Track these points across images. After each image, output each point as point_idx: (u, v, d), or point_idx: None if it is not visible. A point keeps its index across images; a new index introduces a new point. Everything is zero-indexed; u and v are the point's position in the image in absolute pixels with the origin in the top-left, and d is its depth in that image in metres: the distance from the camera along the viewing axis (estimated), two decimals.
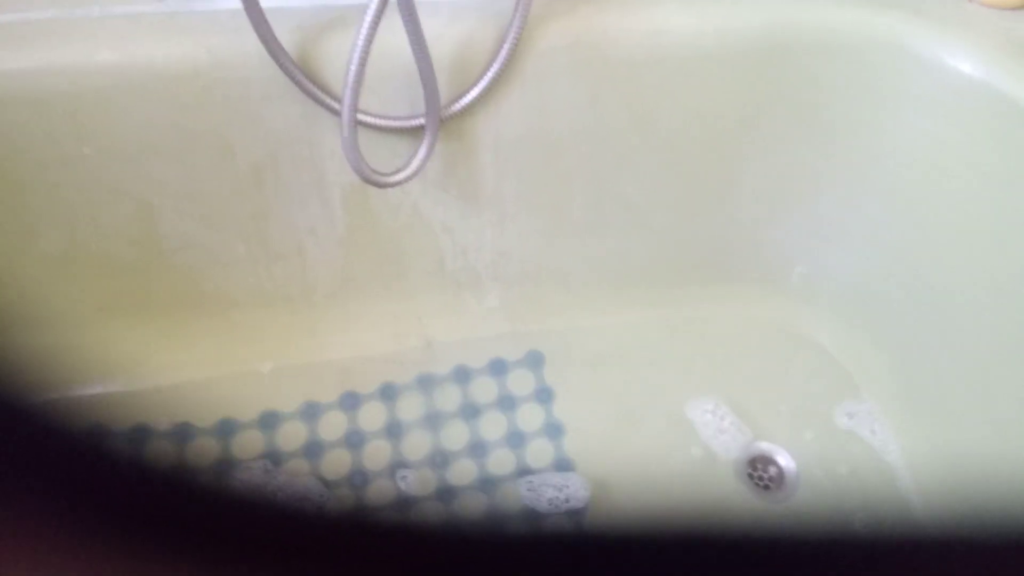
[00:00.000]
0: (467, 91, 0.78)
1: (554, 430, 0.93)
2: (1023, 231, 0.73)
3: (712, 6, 0.79)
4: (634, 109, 0.83)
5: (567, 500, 0.86)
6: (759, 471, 0.91)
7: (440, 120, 0.77)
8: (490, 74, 0.76)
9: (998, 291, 0.77)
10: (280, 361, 0.96)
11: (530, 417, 0.94)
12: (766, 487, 0.90)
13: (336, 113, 0.75)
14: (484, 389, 0.96)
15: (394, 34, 0.71)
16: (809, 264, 0.96)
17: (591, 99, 0.81)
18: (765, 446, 0.92)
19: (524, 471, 0.90)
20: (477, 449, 0.92)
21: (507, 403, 0.95)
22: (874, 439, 0.90)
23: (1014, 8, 0.79)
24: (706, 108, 0.83)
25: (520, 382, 0.97)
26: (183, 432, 0.92)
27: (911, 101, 0.79)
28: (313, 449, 0.91)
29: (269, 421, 0.93)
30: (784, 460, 0.91)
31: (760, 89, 0.82)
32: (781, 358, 0.98)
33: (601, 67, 0.79)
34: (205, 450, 0.91)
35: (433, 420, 0.93)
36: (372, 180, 0.76)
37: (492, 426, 0.93)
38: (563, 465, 0.90)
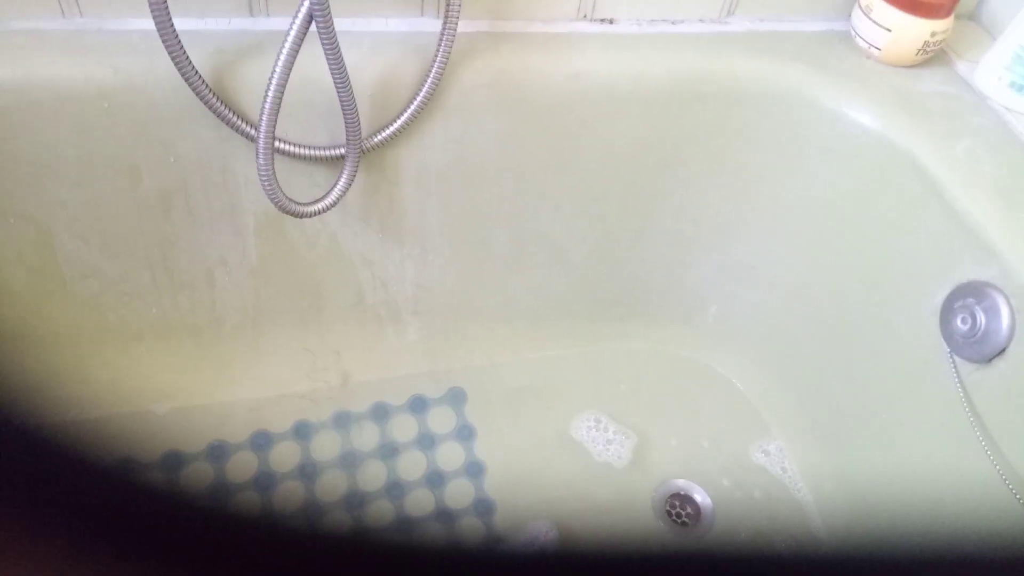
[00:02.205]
0: (390, 122, 0.77)
1: (475, 469, 0.91)
2: (915, 274, 0.77)
3: (628, 51, 0.81)
4: (554, 147, 0.84)
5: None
6: (677, 508, 0.91)
7: (361, 150, 0.76)
8: (413, 106, 0.76)
9: (892, 331, 0.80)
10: (186, 397, 0.92)
11: (451, 456, 0.92)
12: (684, 523, 0.90)
13: (252, 139, 0.73)
14: (403, 427, 0.94)
15: (315, 62, 0.70)
16: (722, 304, 0.99)
17: (512, 135, 0.82)
18: (683, 483, 0.93)
19: (443, 512, 0.88)
20: (395, 489, 0.89)
21: (427, 442, 0.93)
22: (784, 476, 0.92)
23: (908, 66, 0.85)
24: (623, 149, 0.85)
25: (441, 420, 0.95)
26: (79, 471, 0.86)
27: (814, 150, 0.83)
28: (220, 491, 0.86)
29: (172, 462, 0.88)
30: (700, 497, 0.92)
31: (674, 133, 0.84)
32: (697, 396, 1.00)
33: (522, 105, 0.80)
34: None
35: (349, 460, 0.90)
36: (288, 209, 0.74)
37: (411, 466, 0.91)
38: (483, 505, 0.88)
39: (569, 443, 0.94)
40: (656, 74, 0.82)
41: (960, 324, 0.72)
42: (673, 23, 0.85)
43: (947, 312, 0.73)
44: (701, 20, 0.86)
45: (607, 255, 0.95)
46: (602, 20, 0.84)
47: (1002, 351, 0.69)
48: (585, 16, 0.83)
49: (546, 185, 0.87)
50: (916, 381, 0.78)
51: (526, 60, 0.79)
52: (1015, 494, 0.65)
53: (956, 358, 0.73)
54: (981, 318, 0.70)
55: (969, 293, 0.72)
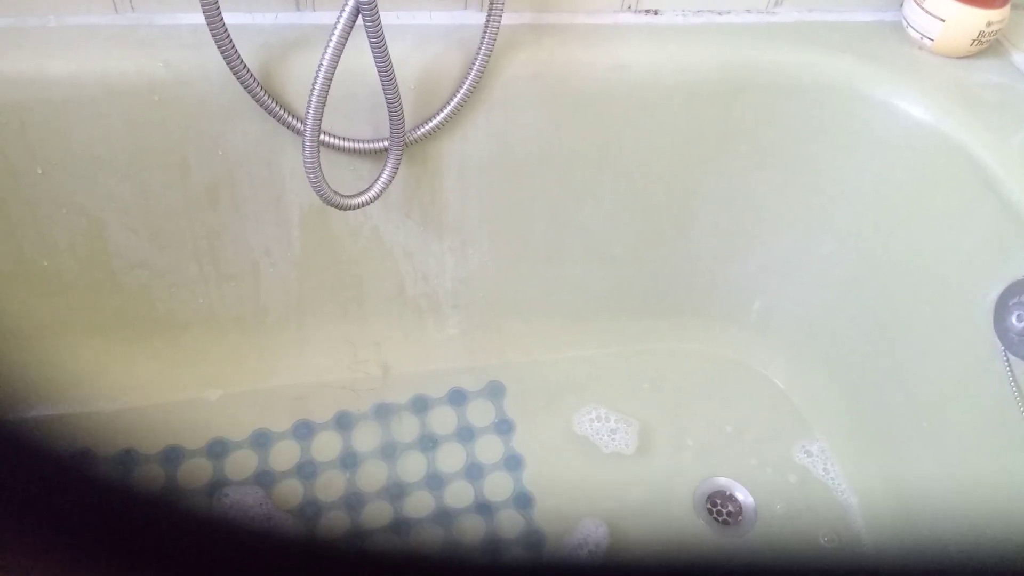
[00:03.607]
0: (433, 115, 0.77)
1: (513, 462, 0.91)
2: (967, 270, 0.75)
3: (672, 44, 0.80)
4: (597, 140, 0.83)
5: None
6: (718, 506, 0.90)
7: (405, 143, 0.77)
8: (456, 99, 0.76)
9: (944, 329, 0.78)
10: (230, 387, 0.93)
11: (489, 449, 0.93)
12: (725, 522, 0.89)
13: (298, 133, 0.74)
14: (443, 419, 0.94)
15: (360, 56, 0.70)
16: (766, 300, 0.97)
17: (555, 128, 0.82)
18: (724, 481, 0.92)
19: (482, 504, 0.88)
20: (434, 481, 0.89)
21: (466, 434, 0.93)
22: (827, 477, 0.91)
23: (962, 56, 0.82)
24: (667, 142, 0.84)
25: (480, 413, 0.95)
26: (127, 459, 0.88)
27: (864, 143, 0.82)
28: (264, 479, 0.88)
29: (217, 450, 0.89)
30: (742, 496, 0.90)
31: (719, 126, 0.83)
32: (738, 395, 0.98)
33: (565, 98, 0.80)
34: (150, 478, 0.87)
35: (389, 451, 0.91)
36: (333, 202, 0.75)
37: (450, 458, 0.91)
38: (522, 499, 0.88)
39: (607, 440, 0.94)
40: (701, 66, 0.81)
41: (1015, 321, 0.70)
42: (719, 14, 0.84)
43: (1002, 309, 0.71)
44: (748, 11, 0.84)
45: (649, 250, 0.94)
46: (647, 11, 0.83)
47: None
48: (629, 7, 0.83)
49: (588, 178, 0.87)
50: (968, 380, 0.76)
51: (569, 52, 0.79)
52: None
53: (1010, 356, 0.71)
54: None
55: None
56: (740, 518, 0.89)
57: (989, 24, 0.80)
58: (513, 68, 0.78)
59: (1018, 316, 0.70)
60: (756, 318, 0.99)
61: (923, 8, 0.81)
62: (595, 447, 0.93)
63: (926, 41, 0.82)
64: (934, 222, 0.78)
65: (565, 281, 0.96)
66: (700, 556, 0.86)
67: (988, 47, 0.83)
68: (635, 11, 0.83)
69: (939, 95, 0.78)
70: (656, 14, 0.83)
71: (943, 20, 0.80)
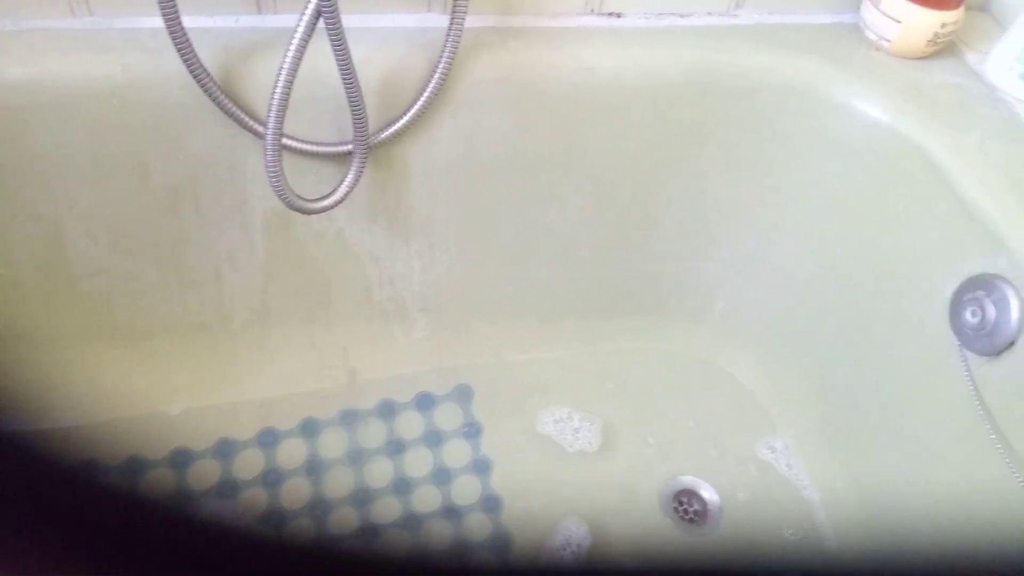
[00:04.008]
0: (397, 118, 0.77)
1: (482, 466, 0.91)
2: (925, 268, 0.77)
3: (636, 46, 0.81)
4: (562, 142, 0.84)
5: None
6: (685, 505, 0.91)
7: (369, 146, 0.76)
8: (420, 102, 0.76)
9: (903, 325, 0.80)
10: (193, 395, 0.92)
11: (457, 453, 0.92)
12: (691, 520, 0.90)
13: (260, 136, 0.73)
14: (410, 424, 0.94)
15: (323, 58, 0.70)
16: (731, 299, 0.98)
17: (521, 131, 0.82)
18: (690, 480, 0.92)
19: (450, 508, 0.88)
20: (401, 486, 0.89)
21: (433, 439, 0.93)
22: (790, 473, 0.92)
23: (918, 58, 0.84)
24: (632, 144, 0.85)
25: (447, 417, 0.95)
26: (88, 470, 0.86)
27: (825, 143, 0.83)
28: (227, 489, 0.87)
29: (180, 460, 0.88)
30: (708, 494, 0.91)
31: (683, 127, 0.84)
32: (704, 393, 0.99)
33: (530, 100, 0.80)
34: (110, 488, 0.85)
35: (356, 457, 0.90)
36: (296, 206, 0.74)
37: (417, 463, 0.91)
38: (490, 502, 0.88)
39: (571, 439, 0.94)
40: (665, 68, 0.82)
41: (970, 317, 0.71)
42: (681, 16, 0.85)
43: (957, 305, 0.73)
44: (709, 13, 0.85)
45: (615, 251, 0.95)
46: (610, 14, 0.84)
47: (1011, 344, 0.68)
48: (593, 10, 0.83)
49: (554, 180, 0.87)
50: (926, 375, 0.77)
51: (534, 55, 0.79)
52: None
53: (966, 351, 0.72)
54: (991, 311, 0.70)
55: (979, 286, 0.71)
56: (706, 516, 0.90)
57: (944, 25, 0.81)
58: (478, 71, 0.78)
59: (972, 312, 0.71)
60: (721, 317, 1.00)
61: (880, 10, 0.83)
62: (559, 447, 0.93)
63: (883, 42, 0.84)
64: (892, 220, 0.80)
65: (532, 283, 0.96)
66: (671, 556, 0.86)
67: (944, 48, 0.85)
68: (598, 14, 0.84)
69: (897, 96, 0.80)
70: (619, 17, 0.84)
71: (899, 22, 0.82)
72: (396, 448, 0.91)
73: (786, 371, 0.96)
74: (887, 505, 0.82)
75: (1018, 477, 0.66)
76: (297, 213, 0.77)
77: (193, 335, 0.91)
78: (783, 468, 0.92)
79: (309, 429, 0.91)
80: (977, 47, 0.86)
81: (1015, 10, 0.86)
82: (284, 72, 0.68)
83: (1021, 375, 0.68)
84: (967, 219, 0.72)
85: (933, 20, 0.81)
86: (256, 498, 0.86)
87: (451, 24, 0.73)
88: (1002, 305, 0.70)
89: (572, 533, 0.86)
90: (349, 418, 0.93)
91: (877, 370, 0.83)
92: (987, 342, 0.71)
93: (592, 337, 1.01)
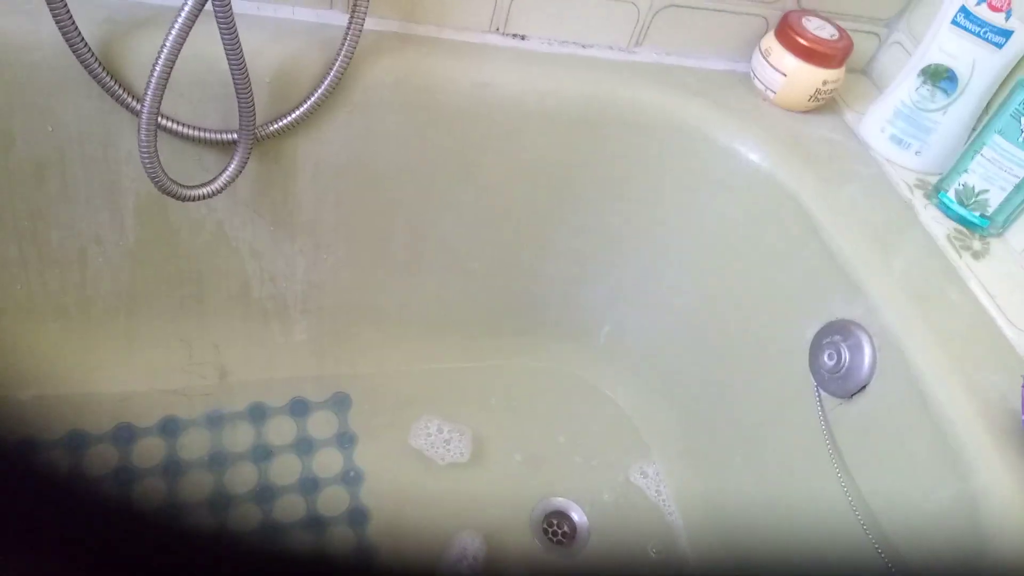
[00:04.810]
0: (287, 112, 0.75)
1: (353, 477, 0.89)
2: (790, 308, 0.80)
3: (537, 68, 0.82)
4: (458, 154, 0.84)
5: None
6: (554, 526, 0.91)
7: (255, 137, 0.74)
8: (313, 98, 0.74)
9: (767, 361, 0.83)
10: (47, 382, 0.86)
11: (328, 462, 0.90)
12: (559, 542, 0.90)
13: (136, 114, 0.70)
14: (281, 430, 0.91)
15: (213, 42, 0.68)
16: (615, 325, 1.00)
17: (417, 138, 0.81)
18: (561, 501, 0.93)
19: (313, 519, 0.85)
20: (264, 493, 0.85)
21: (304, 446, 0.90)
22: (658, 499, 0.94)
23: (800, 111, 0.89)
24: (527, 164, 0.86)
25: (322, 425, 0.92)
26: None
27: (707, 183, 0.86)
28: (76, 481, 0.81)
29: (28, 449, 0.81)
30: (577, 516, 0.92)
31: (577, 154, 0.86)
32: (584, 416, 1.00)
33: (427, 109, 0.80)
34: None
35: (218, 460, 0.86)
36: (169, 190, 0.71)
37: (284, 470, 0.88)
38: (357, 515, 0.86)
39: (451, 455, 0.93)
40: (563, 94, 0.83)
41: (827, 359, 0.75)
42: (583, 47, 0.87)
43: (816, 347, 0.77)
44: (610, 47, 0.88)
45: (506, 267, 0.95)
46: (514, 35, 0.85)
47: (863, 388, 0.72)
48: (497, 29, 0.84)
49: (448, 192, 0.87)
50: (784, 411, 0.80)
51: (433, 64, 0.79)
52: (862, 524, 0.68)
53: (822, 392, 0.76)
54: (846, 355, 0.73)
55: (837, 330, 0.75)
56: (574, 539, 0.90)
57: (825, 83, 0.86)
58: (376, 74, 0.77)
59: (829, 355, 0.75)
60: (605, 341, 1.01)
61: (768, 62, 0.87)
62: (431, 460, 0.92)
63: (769, 93, 0.88)
64: (764, 261, 0.83)
65: (422, 292, 0.95)
66: None
67: (824, 104, 0.90)
68: (503, 34, 0.84)
69: (776, 144, 0.84)
70: (523, 39, 0.85)
71: (785, 75, 0.86)
72: (263, 454, 0.88)
73: (661, 398, 0.98)
74: (744, 532, 0.85)
75: (856, 511, 0.70)
76: (172, 199, 0.73)
77: (51, 318, 0.85)
78: (652, 494, 0.94)
79: (170, 428, 0.87)
80: (855, 107, 0.92)
81: (890, 75, 0.92)
82: (166, 49, 0.65)
83: (868, 419, 0.72)
84: (831, 266, 0.76)
85: (815, 77, 0.85)
86: (106, 494, 0.81)
87: (350, 22, 0.72)
88: (856, 350, 0.73)
89: (467, 545, 0.85)
90: (215, 419, 0.89)
91: (742, 402, 0.86)
92: (841, 384, 0.74)
93: (478, 352, 1.01)
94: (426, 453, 0.92)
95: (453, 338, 0.99)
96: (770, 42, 0.87)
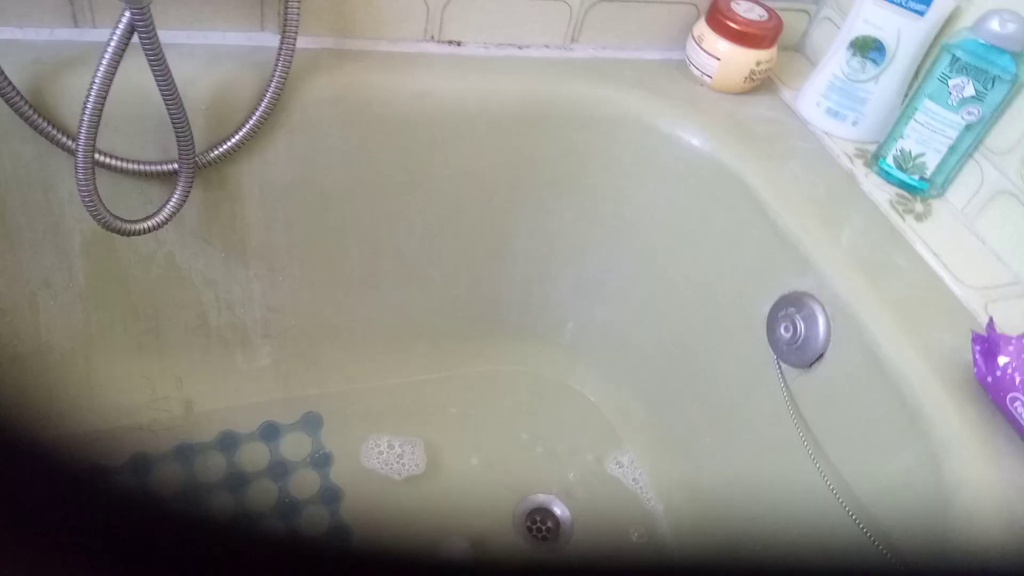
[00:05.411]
0: (227, 138, 0.75)
1: (331, 495, 0.89)
2: (745, 286, 0.82)
3: (476, 73, 0.83)
4: (404, 165, 0.84)
5: None
6: (538, 523, 0.91)
7: (196, 166, 0.74)
8: (251, 121, 0.74)
9: (728, 341, 0.84)
10: None
11: (305, 483, 0.89)
12: (544, 538, 0.90)
13: (72, 153, 0.69)
14: (254, 456, 0.90)
15: (145, 74, 0.67)
16: (578, 320, 1.01)
17: (361, 152, 0.81)
18: (543, 498, 0.93)
19: (294, 539, 0.84)
20: (243, 519, 0.84)
21: (279, 469, 0.90)
22: (636, 487, 0.95)
23: (737, 92, 0.90)
24: (474, 168, 0.86)
25: (295, 446, 0.92)
26: None
27: (654, 170, 0.87)
28: None
29: None
30: (560, 510, 0.92)
31: (522, 153, 0.86)
32: (556, 411, 1.01)
33: (368, 122, 0.80)
34: None
35: (192, 492, 0.85)
36: (113, 227, 0.70)
37: (261, 495, 0.87)
38: (339, 532, 0.85)
39: (429, 464, 0.93)
40: (503, 96, 0.84)
41: (784, 332, 0.76)
42: (520, 48, 0.87)
43: (772, 321, 0.78)
44: (547, 46, 0.89)
45: (465, 273, 0.95)
46: (450, 42, 0.85)
47: (820, 356, 0.74)
48: (432, 37, 0.84)
49: (399, 203, 0.87)
50: (749, 388, 0.82)
51: (371, 77, 0.79)
52: (834, 492, 0.69)
53: (782, 364, 0.77)
54: (801, 326, 0.75)
55: (791, 303, 0.76)
56: (559, 533, 0.91)
57: (759, 63, 0.88)
58: (313, 92, 0.77)
59: (785, 327, 0.76)
60: (570, 338, 1.02)
61: (702, 48, 0.89)
62: (415, 472, 0.92)
63: (706, 78, 0.89)
64: (716, 243, 0.85)
65: (383, 306, 0.95)
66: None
67: (760, 84, 0.91)
68: (438, 41, 0.85)
69: (716, 127, 0.85)
70: (459, 45, 0.86)
71: (719, 59, 0.88)
72: (237, 482, 0.87)
73: (630, 387, 0.99)
74: (721, 512, 0.86)
75: (827, 481, 0.71)
76: (119, 235, 0.73)
77: (7, 367, 0.84)
78: (630, 482, 0.95)
79: (140, 466, 0.86)
80: (791, 84, 0.94)
81: (822, 51, 0.94)
82: (95, 87, 0.65)
83: (830, 386, 0.73)
84: (779, 242, 0.78)
85: (748, 58, 0.87)
86: None
87: (282, 43, 0.72)
88: (811, 321, 0.75)
89: (455, 551, 0.85)
90: (185, 452, 0.88)
91: (709, 384, 0.87)
92: (799, 355, 0.76)
93: (447, 361, 1.01)
94: (405, 466, 0.92)
95: (420, 348, 0.99)
96: (702, 28, 0.89)
